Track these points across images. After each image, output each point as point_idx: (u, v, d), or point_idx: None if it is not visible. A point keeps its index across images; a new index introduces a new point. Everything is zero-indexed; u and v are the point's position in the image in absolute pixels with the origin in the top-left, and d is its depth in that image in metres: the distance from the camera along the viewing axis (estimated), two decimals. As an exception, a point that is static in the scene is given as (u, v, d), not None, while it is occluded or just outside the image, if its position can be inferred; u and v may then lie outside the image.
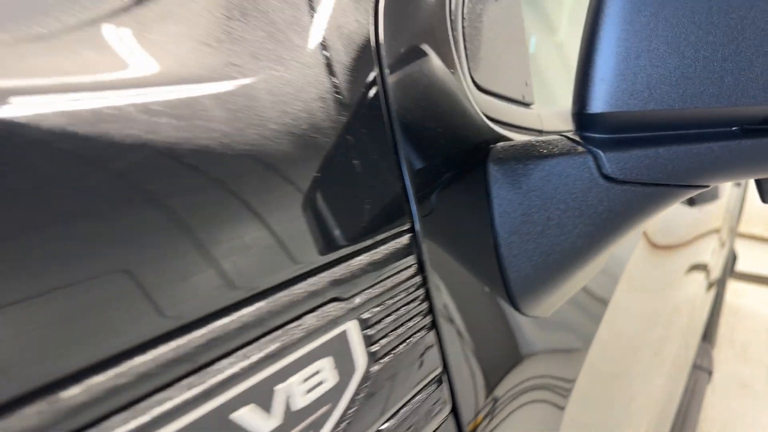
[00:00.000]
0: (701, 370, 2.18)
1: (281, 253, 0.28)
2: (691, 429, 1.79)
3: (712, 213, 1.41)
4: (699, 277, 1.31)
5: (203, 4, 0.28)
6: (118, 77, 0.24)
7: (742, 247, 5.26)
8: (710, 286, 1.68)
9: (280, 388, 0.27)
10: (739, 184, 2.54)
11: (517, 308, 0.42)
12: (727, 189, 2.09)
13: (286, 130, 0.28)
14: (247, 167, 0.27)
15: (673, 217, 1.03)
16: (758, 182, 0.43)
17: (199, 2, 0.28)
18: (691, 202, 1.04)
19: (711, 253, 1.51)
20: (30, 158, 0.20)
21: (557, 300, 0.46)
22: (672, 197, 0.40)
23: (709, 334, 2.64)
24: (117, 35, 0.25)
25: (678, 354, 1.22)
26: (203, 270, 0.24)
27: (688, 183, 0.40)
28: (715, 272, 1.82)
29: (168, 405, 0.23)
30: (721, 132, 0.39)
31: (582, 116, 0.38)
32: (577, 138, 0.40)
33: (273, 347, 0.27)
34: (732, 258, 3.35)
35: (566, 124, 0.66)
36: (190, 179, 0.24)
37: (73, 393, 0.20)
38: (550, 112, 0.65)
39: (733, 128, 0.38)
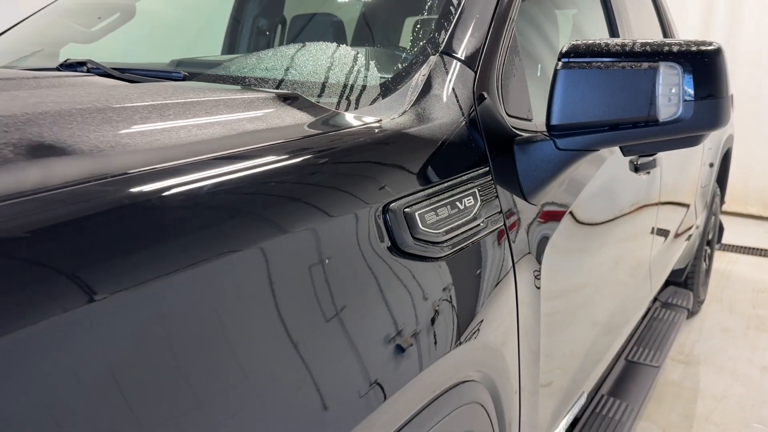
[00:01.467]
0: (680, 308, 2.80)
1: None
2: (665, 346, 2.43)
3: (658, 183, 2.02)
4: (646, 230, 1.92)
5: None
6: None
7: (739, 224, 5.85)
8: (667, 238, 2.27)
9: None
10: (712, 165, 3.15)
11: (527, 200, 1.07)
12: (694, 170, 2.71)
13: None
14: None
15: (628, 184, 1.67)
16: (621, 149, 1.08)
17: None
18: (636, 169, 1.68)
19: (661, 212, 2.10)
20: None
21: (543, 197, 1.11)
22: (583, 156, 1.05)
23: (690, 284, 3.26)
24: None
25: (629, 283, 1.82)
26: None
27: (591, 149, 1.05)
28: (674, 228, 2.40)
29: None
30: (608, 127, 1.04)
31: (548, 124, 1.03)
32: (547, 134, 1.05)
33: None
34: (719, 228, 3.94)
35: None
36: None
37: None
38: (540, 122, 1.30)
39: (605, 127, 1.03)
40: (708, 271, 3.83)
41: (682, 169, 2.35)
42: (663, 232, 2.11)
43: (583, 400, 1.47)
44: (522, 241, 1.03)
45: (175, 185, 0.56)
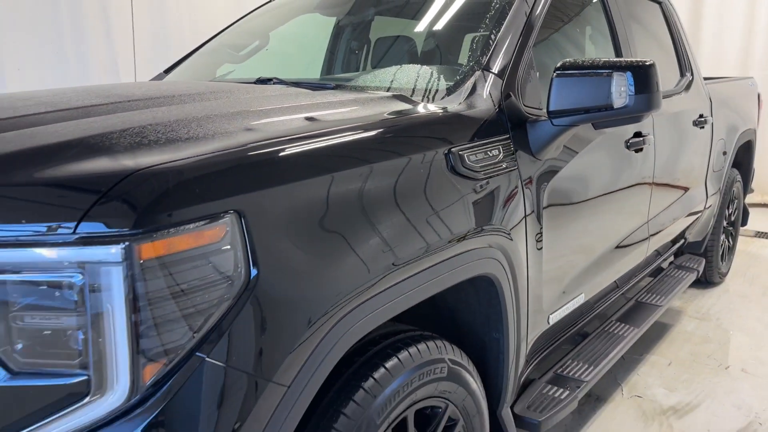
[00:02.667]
0: (691, 269, 3.39)
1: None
2: (670, 294, 3.04)
3: (652, 160, 2.63)
4: (643, 194, 2.54)
5: None
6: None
7: (758, 213, 6.29)
8: (668, 207, 2.85)
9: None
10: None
11: (534, 156, 1.76)
12: (701, 157, 3.29)
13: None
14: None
15: (622, 157, 2.33)
16: (593, 125, 1.77)
17: None
18: (628, 147, 2.32)
19: (657, 184, 2.70)
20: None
21: (544, 155, 1.80)
22: (569, 129, 1.74)
23: (709, 256, 3.82)
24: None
25: (623, 227, 2.44)
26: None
27: (573, 125, 1.74)
28: (674, 200, 2.97)
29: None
30: (583, 111, 1.72)
31: (547, 110, 1.72)
32: (546, 116, 1.74)
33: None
34: (744, 212, 4.45)
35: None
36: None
37: None
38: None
39: (581, 111, 1.72)
40: (732, 249, 4.35)
41: (683, 153, 2.96)
42: (661, 201, 2.73)
43: (582, 299, 2.13)
44: (527, 174, 1.72)
45: (342, 135, 1.32)
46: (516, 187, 1.66)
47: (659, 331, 3.44)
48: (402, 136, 1.42)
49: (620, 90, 1.67)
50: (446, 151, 1.47)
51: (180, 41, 3.92)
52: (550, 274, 1.86)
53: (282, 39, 2.80)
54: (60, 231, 0.91)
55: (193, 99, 1.54)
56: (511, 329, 1.69)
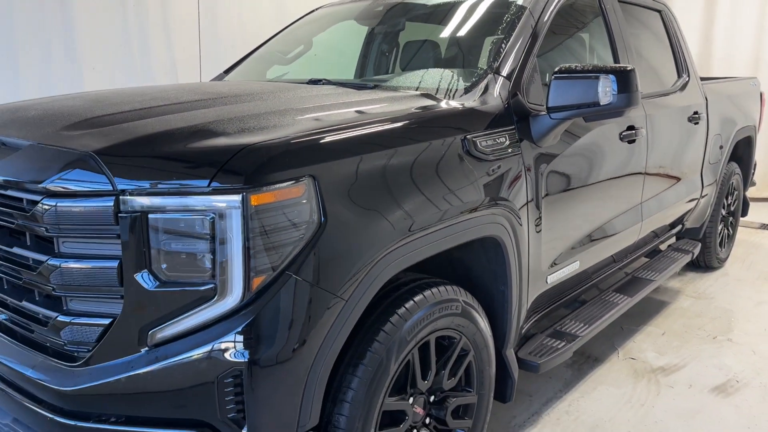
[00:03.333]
0: (686, 251, 3.76)
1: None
2: (663, 271, 3.42)
3: (645, 151, 3.02)
4: (636, 181, 2.92)
5: None
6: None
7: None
8: (661, 192, 3.24)
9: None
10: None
11: (535, 143, 2.16)
12: (696, 150, 3.65)
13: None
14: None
15: (616, 147, 2.72)
16: (584, 118, 2.17)
17: None
18: (621, 138, 2.70)
19: (650, 171, 3.09)
20: None
21: (543, 143, 2.20)
22: (564, 122, 2.15)
23: (708, 242, 4.18)
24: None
25: (617, 205, 2.83)
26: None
27: (568, 119, 2.14)
28: (667, 187, 3.34)
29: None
30: (575, 108, 2.12)
31: (547, 107, 2.12)
32: (546, 112, 2.15)
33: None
34: (744, 203, 4.78)
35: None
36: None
37: None
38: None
39: (574, 108, 2.12)
40: (732, 237, 4.69)
41: (676, 145, 3.33)
42: (654, 187, 3.12)
43: (577, 266, 2.53)
44: (529, 158, 2.13)
45: (382, 124, 1.74)
46: (519, 167, 2.08)
47: (657, 307, 3.81)
48: (427, 125, 1.84)
49: (606, 90, 2.07)
50: (463, 138, 1.89)
51: (232, 44, 4.40)
52: (547, 240, 2.26)
53: (323, 44, 3.24)
54: (199, 185, 1.35)
55: (270, 95, 1.99)
56: (514, 283, 2.11)
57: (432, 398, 1.93)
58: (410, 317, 1.72)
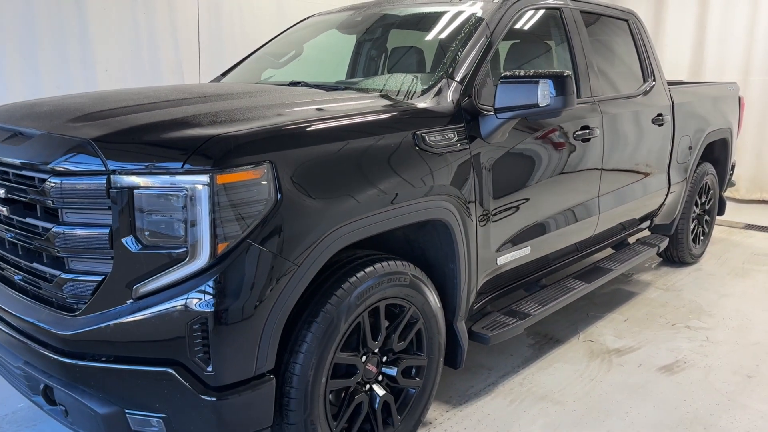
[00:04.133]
0: (651, 245, 4.01)
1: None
2: (625, 262, 3.67)
3: (600, 149, 3.27)
4: (592, 176, 3.19)
5: None
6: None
7: (755, 208, 6.79)
8: (619, 188, 3.51)
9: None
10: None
11: (483, 139, 2.44)
12: (662, 149, 3.90)
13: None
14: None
15: (569, 145, 2.99)
16: (525, 117, 2.45)
17: None
18: (575, 137, 2.97)
19: (607, 168, 3.37)
20: None
21: (491, 139, 2.49)
22: (510, 121, 2.44)
23: (680, 237, 4.43)
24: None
25: (570, 197, 3.11)
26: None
27: (512, 118, 2.43)
28: (627, 183, 3.61)
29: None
30: (518, 108, 2.40)
31: (494, 107, 2.41)
32: (493, 112, 2.43)
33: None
34: (720, 202, 5.01)
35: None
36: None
37: None
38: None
39: (517, 108, 2.40)
40: (708, 234, 4.91)
41: (638, 145, 3.59)
42: (611, 183, 3.38)
43: (528, 251, 2.80)
44: (477, 152, 2.41)
45: (340, 119, 2.05)
46: (467, 160, 2.37)
47: (625, 297, 4.07)
48: (378, 121, 2.14)
49: (544, 93, 2.35)
50: (413, 133, 2.18)
51: (233, 47, 4.75)
52: (496, 225, 2.55)
53: (314, 49, 3.55)
54: (175, 167, 1.66)
55: (247, 95, 2.31)
56: (462, 261, 2.39)
57: (384, 359, 2.23)
58: (360, 285, 2.02)
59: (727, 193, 5.42)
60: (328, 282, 1.99)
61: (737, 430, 2.56)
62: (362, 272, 2.04)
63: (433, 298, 2.32)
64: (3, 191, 1.92)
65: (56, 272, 1.80)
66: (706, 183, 4.72)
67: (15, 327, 1.94)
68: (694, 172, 4.44)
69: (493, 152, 2.50)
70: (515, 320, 2.78)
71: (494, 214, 2.53)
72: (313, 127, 1.95)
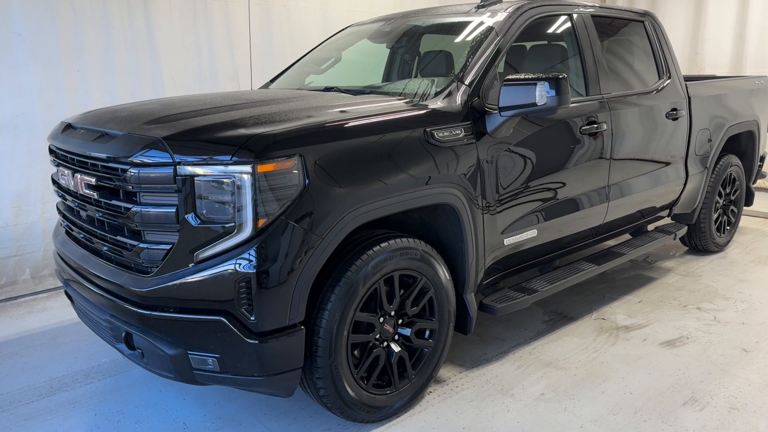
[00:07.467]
0: (667, 233, 4.25)
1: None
2: (639, 247, 3.94)
3: (610, 142, 3.55)
4: (602, 166, 3.49)
5: None
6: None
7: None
8: (630, 178, 3.78)
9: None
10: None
11: (489, 134, 2.80)
12: (679, 141, 4.14)
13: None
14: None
15: (576, 139, 3.30)
16: (525, 115, 2.80)
17: None
18: (582, 132, 3.27)
19: (616, 159, 3.64)
20: None
21: (497, 134, 2.85)
22: (513, 119, 2.79)
23: (701, 226, 4.63)
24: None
25: (579, 185, 3.42)
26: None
27: (514, 116, 2.78)
28: (639, 174, 3.87)
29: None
30: (519, 107, 2.76)
31: (498, 106, 2.77)
32: (498, 110, 2.79)
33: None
34: (749, 194, 5.16)
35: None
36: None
37: None
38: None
39: (518, 107, 2.76)
40: (734, 224, 5.07)
41: (651, 138, 3.85)
42: (621, 173, 3.66)
43: (534, 233, 3.14)
44: (484, 145, 2.78)
45: (360, 119, 2.47)
46: (474, 153, 2.74)
47: (644, 282, 4.33)
48: (395, 119, 2.55)
49: (541, 94, 2.70)
50: (423, 130, 2.58)
51: (282, 56, 5.25)
52: (501, 209, 2.91)
53: (350, 55, 3.98)
54: (225, 159, 2.12)
55: (285, 101, 2.76)
56: (470, 241, 2.77)
57: (400, 321, 2.64)
58: (375, 257, 2.43)
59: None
60: (349, 255, 2.42)
61: (722, 395, 2.83)
62: (378, 246, 2.46)
63: (443, 272, 2.71)
64: (94, 179, 2.44)
65: (135, 242, 2.29)
66: (731, 174, 4.89)
67: (102, 287, 2.45)
68: (717, 163, 4.63)
69: (500, 146, 2.87)
70: (523, 295, 3.12)
71: (499, 199, 2.90)
72: (335, 126, 2.38)
